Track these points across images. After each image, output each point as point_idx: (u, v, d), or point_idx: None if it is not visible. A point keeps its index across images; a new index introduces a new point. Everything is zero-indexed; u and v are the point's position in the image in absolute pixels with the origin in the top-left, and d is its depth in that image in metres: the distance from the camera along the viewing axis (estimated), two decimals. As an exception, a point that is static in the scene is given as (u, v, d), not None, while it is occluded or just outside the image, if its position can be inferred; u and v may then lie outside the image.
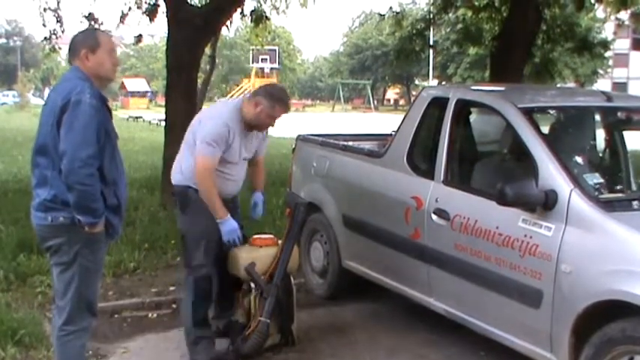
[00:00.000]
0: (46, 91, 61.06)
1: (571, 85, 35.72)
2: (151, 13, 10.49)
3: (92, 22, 10.60)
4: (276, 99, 4.33)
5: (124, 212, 3.59)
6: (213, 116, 4.35)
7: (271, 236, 4.70)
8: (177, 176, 4.41)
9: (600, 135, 4.97)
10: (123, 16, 11.43)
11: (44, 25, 11.03)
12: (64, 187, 3.27)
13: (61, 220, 3.33)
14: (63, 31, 11.19)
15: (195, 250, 4.33)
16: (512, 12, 10.23)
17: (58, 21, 10.97)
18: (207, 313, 4.45)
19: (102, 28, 10.31)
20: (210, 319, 4.51)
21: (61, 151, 3.23)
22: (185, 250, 4.45)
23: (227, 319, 4.66)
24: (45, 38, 11.34)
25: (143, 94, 59.11)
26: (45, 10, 10.87)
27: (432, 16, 13.26)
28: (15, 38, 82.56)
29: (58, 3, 10.87)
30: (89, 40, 3.45)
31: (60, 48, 12.19)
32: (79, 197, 3.23)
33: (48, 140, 3.32)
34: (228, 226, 4.32)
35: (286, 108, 4.42)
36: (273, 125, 4.50)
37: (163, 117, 8.98)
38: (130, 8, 11.32)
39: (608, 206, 3.56)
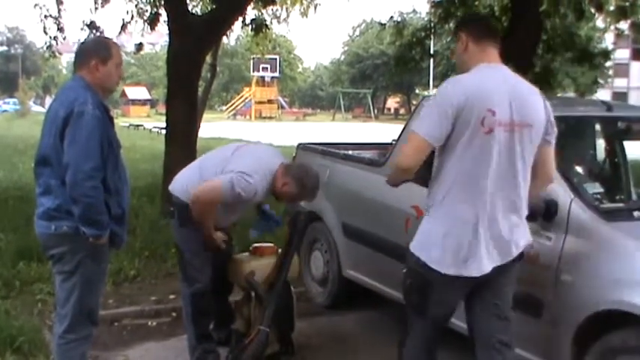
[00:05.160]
0: (47, 99, 61.23)
1: (571, 94, 35.72)
2: (152, 21, 10.50)
3: (94, 31, 10.60)
4: (306, 190, 4.29)
5: (127, 220, 3.60)
6: (254, 175, 4.04)
7: (271, 245, 4.71)
8: (180, 189, 4.30)
9: (600, 145, 4.98)
10: (124, 25, 11.44)
11: (45, 33, 11.05)
12: (68, 197, 3.27)
13: (65, 229, 3.34)
14: (64, 38, 11.21)
15: (191, 266, 4.32)
16: (513, 22, 10.25)
17: (59, 28, 10.98)
18: (209, 327, 4.44)
19: (105, 36, 10.30)
20: (210, 329, 4.49)
21: (65, 164, 3.24)
22: (182, 264, 4.42)
23: (227, 329, 4.66)
24: (45, 46, 11.36)
25: (144, 103, 59.13)
26: (46, 17, 10.88)
27: (432, 25, 13.28)
28: (16, 46, 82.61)
29: (59, 11, 10.88)
30: (102, 51, 3.45)
31: (60, 54, 12.18)
32: (83, 210, 3.24)
33: (50, 151, 3.33)
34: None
35: (311, 199, 4.44)
36: (286, 203, 4.58)
37: (164, 125, 8.98)
38: (132, 17, 11.34)
39: (609, 216, 3.56)
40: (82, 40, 3.68)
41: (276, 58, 54.56)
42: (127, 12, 11.44)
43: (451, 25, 13.89)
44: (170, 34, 8.45)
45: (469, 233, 3.12)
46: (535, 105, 3.25)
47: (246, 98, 57.56)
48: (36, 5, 10.84)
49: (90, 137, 3.24)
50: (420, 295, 3.29)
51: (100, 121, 3.29)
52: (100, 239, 3.35)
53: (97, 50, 3.45)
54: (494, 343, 3.32)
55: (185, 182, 4.32)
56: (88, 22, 10.72)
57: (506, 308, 3.34)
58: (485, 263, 3.14)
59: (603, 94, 43.40)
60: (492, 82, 3.17)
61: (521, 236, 3.26)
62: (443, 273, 3.14)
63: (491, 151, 3.08)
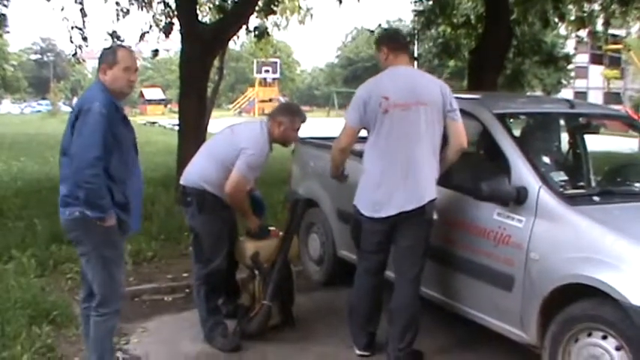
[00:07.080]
0: (74, 100, 60.93)
1: (539, 93, 35.71)
2: (167, 30, 10.49)
3: (115, 39, 10.58)
4: (293, 112, 4.39)
5: (136, 210, 3.50)
6: (257, 145, 4.20)
7: (274, 228, 4.69)
8: (193, 178, 4.29)
9: (564, 138, 4.98)
10: (143, 35, 11.45)
11: (72, 42, 11.04)
12: None
13: (77, 214, 3.30)
14: (87, 46, 11.20)
15: (209, 248, 4.30)
16: (487, 29, 10.23)
17: (83, 38, 10.97)
18: (218, 302, 4.43)
19: (124, 44, 10.25)
20: (220, 304, 4.48)
21: (71, 154, 3.24)
22: (198, 247, 4.39)
23: (234, 303, 4.65)
24: (72, 54, 11.40)
25: (159, 102, 58.84)
26: (72, 28, 10.88)
27: (416, 31, 13.25)
28: (48, 54, 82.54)
29: (84, 22, 10.87)
30: (109, 57, 3.42)
31: (84, 60, 12.19)
32: (86, 194, 3.21)
33: (67, 143, 3.33)
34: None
35: (303, 117, 4.48)
36: (296, 138, 4.59)
37: (177, 122, 8.95)
38: (150, 27, 11.34)
39: (572, 201, 3.57)
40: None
41: (276, 62, 54.20)
42: (146, 23, 11.44)
43: (432, 31, 13.92)
44: (182, 41, 8.42)
45: (376, 187, 3.82)
46: (429, 90, 3.82)
47: (250, 97, 57.31)
48: (64, 18, 10.85)
49: (93, 131, 3.19)
50: (355, 232, 4.04)
51: (105, 118, 3.22)
52: (105, 221, 3.27)
53: (105, 57, 3.42)
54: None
55: (199, 172, 4.29)
56: (111, 32, 10.71)
57: (412, 249, 3.88)
58: (387, 209, 3.78)
59: (566, 93, 43.34)
60: (389, 77, 3.89)
61: (421, 191, 3.77)
62: (365, 215, 3.88)
63: (391, 125, 3.77)
